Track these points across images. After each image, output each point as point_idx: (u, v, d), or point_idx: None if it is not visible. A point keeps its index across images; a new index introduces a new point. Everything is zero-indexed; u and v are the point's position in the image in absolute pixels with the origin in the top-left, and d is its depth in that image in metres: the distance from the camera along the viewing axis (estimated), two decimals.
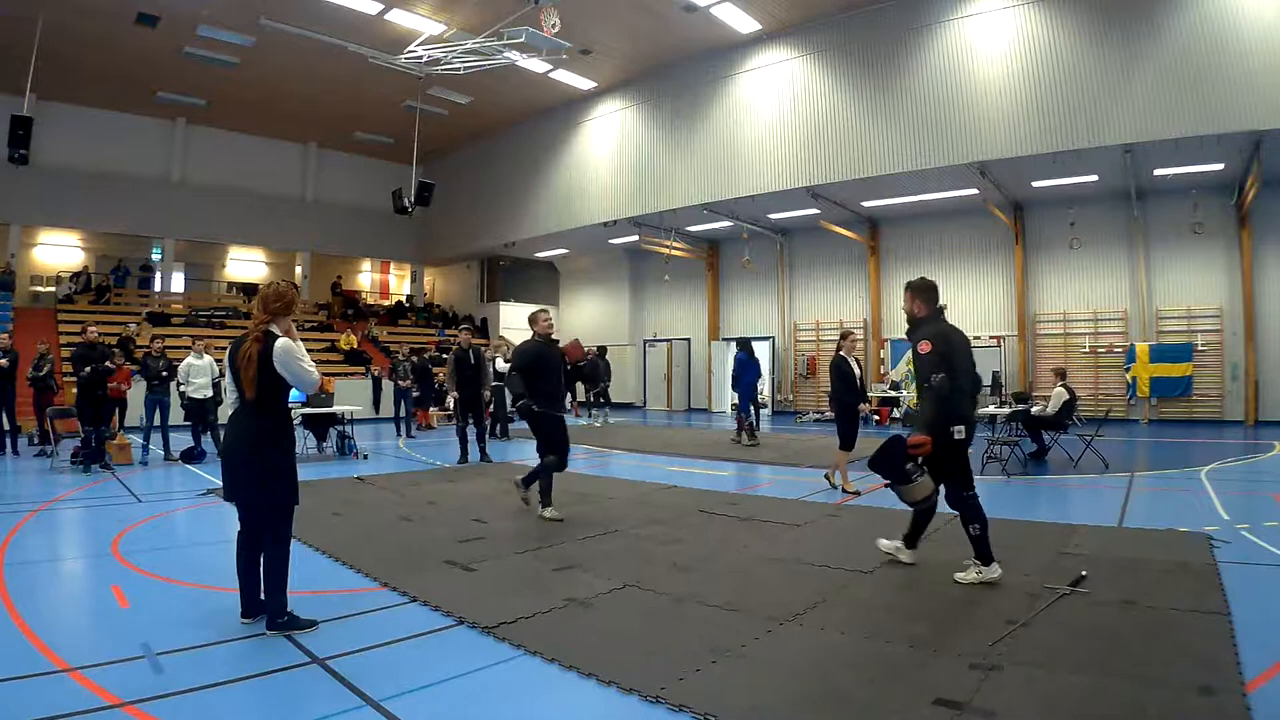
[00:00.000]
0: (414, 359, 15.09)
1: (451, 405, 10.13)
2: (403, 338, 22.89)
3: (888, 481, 4.48)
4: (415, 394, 14.59)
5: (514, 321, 24.90)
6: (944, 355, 4.12)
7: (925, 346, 4.16)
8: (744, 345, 12.28)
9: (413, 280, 27.63)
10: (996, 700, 2.71)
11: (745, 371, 11.93)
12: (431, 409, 16.87)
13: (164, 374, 10.17)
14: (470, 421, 10.06)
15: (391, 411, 15.81)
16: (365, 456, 10.59)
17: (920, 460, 4.23)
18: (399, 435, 13.85)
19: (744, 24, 15.06)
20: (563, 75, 17.53)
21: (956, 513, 4.25)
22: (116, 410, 10.31)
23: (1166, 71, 11.35)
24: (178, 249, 21.67)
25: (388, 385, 18.34)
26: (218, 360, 10.08)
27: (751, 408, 12.00)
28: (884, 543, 4.75)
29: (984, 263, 17.03)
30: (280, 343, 3.52)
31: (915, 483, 4.26)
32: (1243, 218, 13.98)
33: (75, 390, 9.58)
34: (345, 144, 23.26)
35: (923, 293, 4.42)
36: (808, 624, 3.58)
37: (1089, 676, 2.91)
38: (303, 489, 3.75)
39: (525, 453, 11.41)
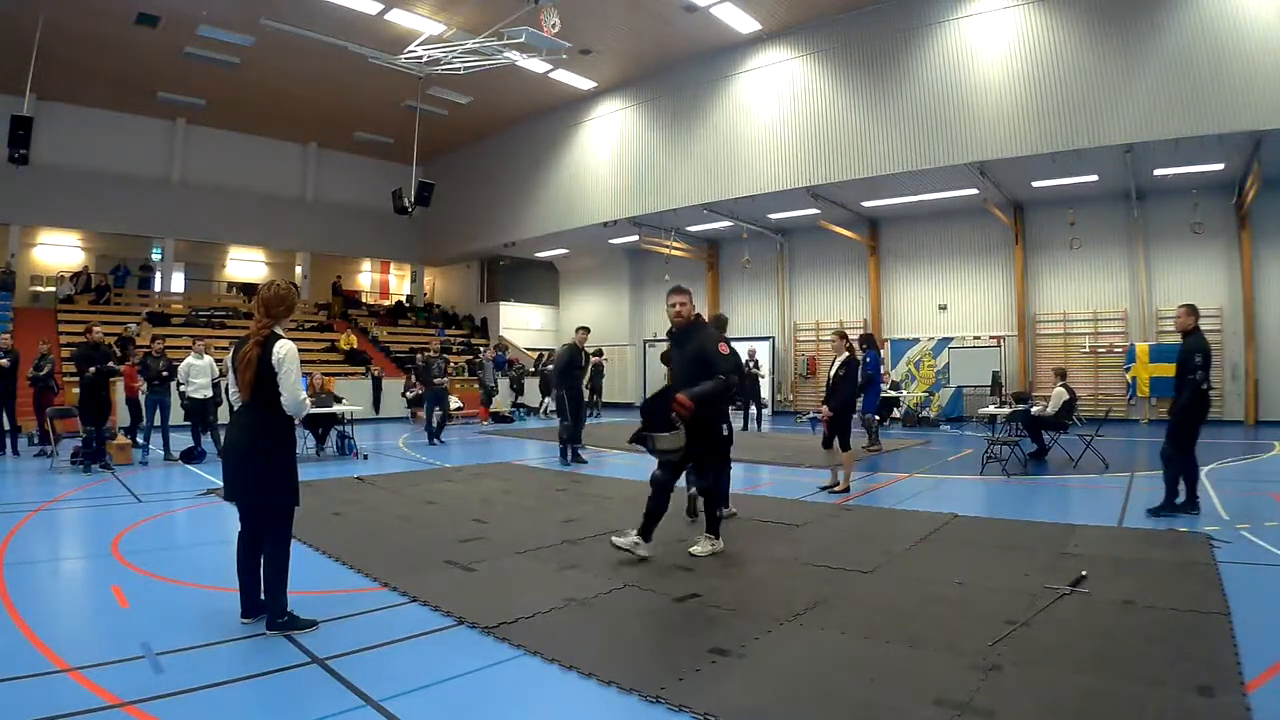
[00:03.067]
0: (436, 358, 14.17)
1: (554, 404, 10.12)
2: (403, 338, 22.93)
3: (646, 429, 4.97)
4: (410, 394, 14.03)
5: (514, 322, 24.98)
6: (735, 365, 5.11)
7: (724, 348, 5.17)
8: (874, 344, 11.43)
9: (413, 280, 27.65)
10: (996, 700, 2.70)
11: (876, 371, 11.13)
12: None
13: (164, 374, 10.17)
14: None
15: (377, 412, 15.24)
16: (365, 456, 10.59)
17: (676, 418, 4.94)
18: (430, 439, 12.47)
19: (744, 24, 15.06)
20: (563, 75, 17.53)
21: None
22: (116, 408, 10.31)
23: (1167, 71, 11.35)
24: (178, 249, 21.69)
25: (389, 385, 18.38)
26: (218, 360, 10.09)
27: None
28: (619, 540, 4.79)
29: (984, 263, 17.04)
30: (284, 344, 3.51)
31: (676, 431, 4.88)
32: (1243, 218, 13.98)
33: (77, 390, 9.57)
34: (345, 144, 23.27)
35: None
36: (808, 624, 3.58)
37: (1089, 676, 2.90)
38: (303, 489, 3.74)
39: (520, 453, 11.40)
